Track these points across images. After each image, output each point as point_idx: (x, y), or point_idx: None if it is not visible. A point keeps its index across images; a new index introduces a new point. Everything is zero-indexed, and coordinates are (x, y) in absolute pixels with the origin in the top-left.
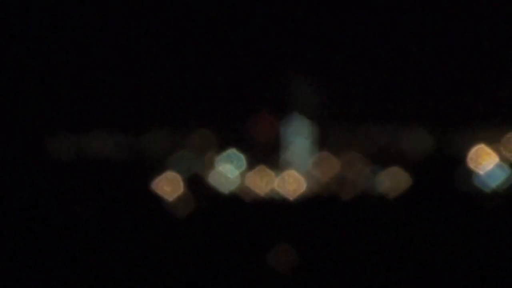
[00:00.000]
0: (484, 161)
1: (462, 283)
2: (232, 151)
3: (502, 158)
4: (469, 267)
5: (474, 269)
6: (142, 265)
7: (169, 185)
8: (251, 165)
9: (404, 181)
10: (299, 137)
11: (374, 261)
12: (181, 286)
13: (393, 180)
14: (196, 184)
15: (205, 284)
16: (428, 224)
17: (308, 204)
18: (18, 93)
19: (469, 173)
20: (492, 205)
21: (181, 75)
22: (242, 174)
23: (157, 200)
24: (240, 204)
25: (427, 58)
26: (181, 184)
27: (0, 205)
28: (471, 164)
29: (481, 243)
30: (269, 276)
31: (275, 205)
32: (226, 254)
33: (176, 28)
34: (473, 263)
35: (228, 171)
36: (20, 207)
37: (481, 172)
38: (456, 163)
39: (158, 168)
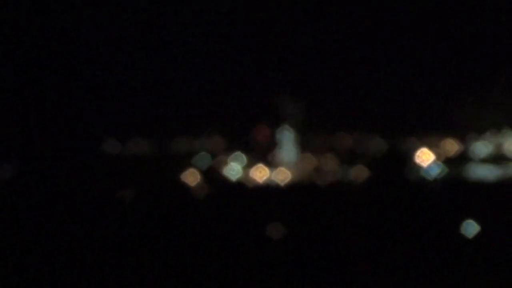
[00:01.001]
0: (425, 159)
1: (409, 241)
2: (238, 153)
3: (437, 157)
4: (413, 231)
5: (419, 232)
6: (172, 229)
7: (191, 176)
8: (253, 163)
9: (365, 174)
10: (288, 143)
11: (343, 229)
12: (197, 244)
13: (358, 173)
14: (212, 175)
15: (215, 246)
16: (385, 202)
17: (293, 189)
18: (85, 112)
19: (416, 167)
20: (431, 188)
21: (203, 100)
22: (246, 169)
23: (183, 186)
24: (244, 188)
25: (382, 84)
26: (199, 175)
27: (67, 189)
28: (417, 161)
29: (424, 214)
30: (265, 242)
31: (270, 189)
32: (233, 225)
33: (203, 66)
34: (417, 228)
35: (235, 166)
36: (80, 191)
37: (424, 166)
38: (406, 160)
39: (184, 164)
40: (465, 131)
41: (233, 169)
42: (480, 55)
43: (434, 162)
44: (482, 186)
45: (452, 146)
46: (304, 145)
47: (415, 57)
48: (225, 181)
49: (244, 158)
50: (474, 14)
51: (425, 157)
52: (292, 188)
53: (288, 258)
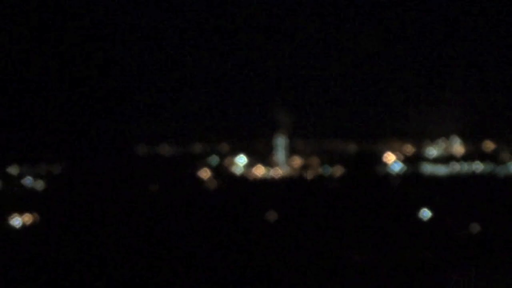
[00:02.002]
0: (390, 159)
1: (376, 222)
2: (241, 155)
3: (398, 158)
4: (380, 214)
5: (384, 215)
6: (189, 210)
7: (204, 172)
8: (253, 163)
9: (342, 171)
10: (281, 147)
11: (325, 214)
12: (209, 222)
13: (336, 170)
14: (220, 172)
15: (221, 226)
16: (358, 192)
17: (285, 182)
18: (121, 123)
19: (384, 164)
20: (394, 180)
21: (214, 114)
22: (247, 168)
23: (199, 179)
24: (246, 181)
25: (356, 101)
26: (211, 172)
27: (108, 181)
28: (384, 160)
29: (389, 201)
30: (263, 224)
31: (267, 181)
32: (237, 209)
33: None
34: (383, 212)
35: (239, 165)
36: (117, 184)
37: (389, 164)
38: (377, 160)
39: (200, 164)
40: (420, 137)
41: (238, 167)
42: (433, 77)
43: (395, 162)
44: (434, 180)
45: (410, 149)
46: (294, 149)
47: (382, 80)
48: (231, 176)
49: (246, 159)
50: (431, 37)
51: (390, 158)
52: (284, 181)
53: (281, 235)
